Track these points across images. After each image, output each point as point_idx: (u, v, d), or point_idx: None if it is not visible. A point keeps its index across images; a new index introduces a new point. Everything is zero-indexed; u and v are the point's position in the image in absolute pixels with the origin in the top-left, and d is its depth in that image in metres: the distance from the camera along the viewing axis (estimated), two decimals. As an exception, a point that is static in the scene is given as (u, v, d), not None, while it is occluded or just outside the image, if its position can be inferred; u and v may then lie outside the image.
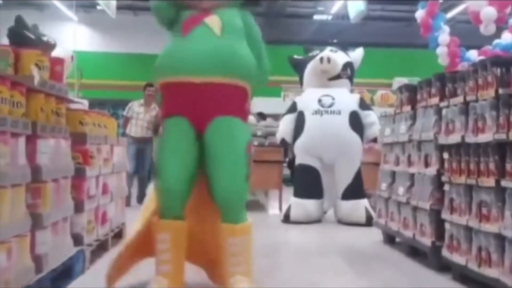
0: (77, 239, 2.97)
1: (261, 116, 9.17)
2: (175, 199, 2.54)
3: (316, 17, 13.19)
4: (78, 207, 2.97)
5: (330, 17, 12.72)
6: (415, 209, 3.65)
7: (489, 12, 5.31)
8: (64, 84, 2.89)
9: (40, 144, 2.41)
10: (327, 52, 5.59)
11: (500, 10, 5.27)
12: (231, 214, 2.52)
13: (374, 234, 4.53)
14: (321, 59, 5.50)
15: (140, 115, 6.89)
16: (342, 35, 12.37)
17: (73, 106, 3.26)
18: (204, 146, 2.53)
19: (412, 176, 3.78)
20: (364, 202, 5.40)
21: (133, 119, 6.84)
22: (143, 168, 7.04)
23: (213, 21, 2.54)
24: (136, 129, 6.84)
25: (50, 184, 2.50)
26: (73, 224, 2.94)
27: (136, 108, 6.93)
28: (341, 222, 5.47)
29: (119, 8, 10.93)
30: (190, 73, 2.45)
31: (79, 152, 3.06)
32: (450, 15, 10.60)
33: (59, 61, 2.87)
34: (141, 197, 7.06)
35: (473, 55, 7.82)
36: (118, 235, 3.95)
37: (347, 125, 5.35)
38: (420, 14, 8.12)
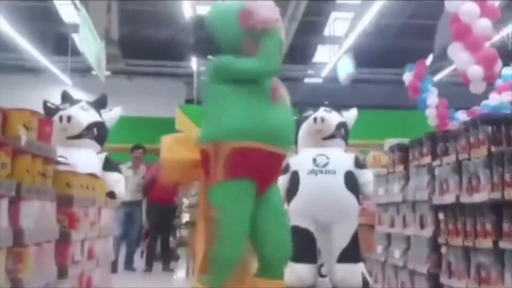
0: (59, 307, 2.81)
1: None
2: (231, 271, 2.48)
3: (307, 80, 13.48)
4: (62, 273, 2.84)
5: (320, 80, 12.99)
6: (412, 273, 3.54)
7: (475, 70, 5.42)
8: (53, 145, 2.85)
9: (24, 206, 2.32)
10: (321, 112, 5.62)
11: (487, 68, 5.38)
12: (281, 269, 2.64)
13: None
14: (315, 119, 5.52)
15: (129, 178, 6.82)
16: (333, 97, 12.57)
17: (61, 167, 3.20)
18: (263, 205, 2.59)
19: (408, 238, 3.69)
20: (361, 266, 5.25)
21: None
22: (132, 233, 6.89)
23: (285, 94, 2.68)
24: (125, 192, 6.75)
25: (32, 248, 2.39)
26: (56, 291, 2.80)
27: (124, 171, 6.88)
28: (336, 287, 5.28)
29: (114, 72, 11.15)
30: (278, 143, 2.55)
31: (64, 215, 2.95)
32: (438, 77, 10.86)
33: (47, 122, 2.84)
34: (128, 263, 6.87)
35: (462, 116, 7.95)
36: (104, 302, 3.77)
37: (342, 185, 5.29)
38: (407, 76, 8.32)
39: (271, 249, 2.58)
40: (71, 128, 4.36)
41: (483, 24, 5.31)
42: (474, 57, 5.37)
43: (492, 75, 5.50)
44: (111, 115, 4.77)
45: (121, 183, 4.57)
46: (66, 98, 4.79)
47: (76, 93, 13.33)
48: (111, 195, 4.32)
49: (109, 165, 4.53)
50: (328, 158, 5.39)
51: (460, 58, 5.53)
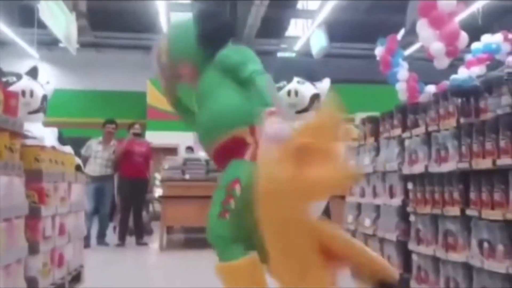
0: (31, 283, 2.78)
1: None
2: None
3: (280, 54, 13.43)
4: (33, 249, 2.80)
5: (294, 54, 12.96)
6: (382, 241, 3.63)
7: (437, 46, 5.51)
8: (20, 118, 2.77)
9: (-9, 181, 2.27)
10: (295, 84, 5.56)
11: (449, 44, 5.46)
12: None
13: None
14: (289, 92, 5.50)
15: (99, 153, 6.74)
16: (306, 70, 12.60)
17: (28, 141, 3.13)
18: None
19: (377, 207, 3.77)
20: None
21: (91, 158, 6.68)
22: (103, 207, 6.83)
23: None
24: (94, 167, 6.67)
25: (2, 224, 2.34)
26: (27, 267, 2.76)
27: (94, 146, 6.79)
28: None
29: (82, 45, 10.85)
30: None
31: (34, 190, 2.90)
32: (408, 52, 10.96)
33: (13, 94, 2.75)
34: (101, 237, 6.83)
35: (431, 90, 8.07)
36: (76, 278, 3.75)
37: None
38: (379, 51, 8.37)
39: None
40: (34, 102, 4.22)
41: (448, 1, 5.36)
42: (437, 33, 5.44)
43: (454, 51, 5.59)
44: (50, 88, 4.61)
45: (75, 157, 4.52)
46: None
47: (43, 67, 13.05)
48: (79, 168, 4.28)
49: (62, 139, 4.41)
50: None
51: (424, 34, 5.60)
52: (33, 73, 4.44)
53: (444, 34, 5.41)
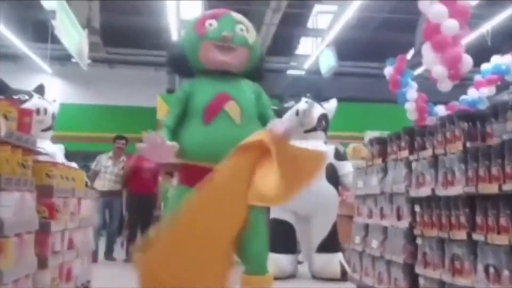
0: (39, 298, 2.81)
1: None
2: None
3: (289, 72, 13.52)
4: (42, 263, 2.83)
5: (303, 72, 13.05)
6: (389, 263, 3.62)
7: (439, 70, 5.56)
8: (33, 136, 2.83)
9: (4, 197, 2.32)
10: (303, 104, 5.63)
11: (451, 67, 5.50)
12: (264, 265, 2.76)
13: (349, 289, 4.46)
14: (297, 111, 5.54)
15: (108, 168, 6.80)
16: (321, 91, 12.66)
17: (40, 158, 3.18)
18: None
19: (385, 229, 3.77)
20: (339, 256, 5.33)
21: (101, 173, 6.74)
22: (112, 223, 6.87)
23: (233, 109, 2.74)
24: (104, 182, 6.73)
25: (12, 239, 2.38)
26: (36, 281, 2.79)
27: (103, 161, 6.85)
28: (315, 276, 5.36)
29: (94, 60, 11.01)
30: (214, 162, 2.62)
31: (44, 206, 2.95)
32: (418, 71, 10.99)
33: (27, 112, 2.82)
34: (108, 253, 6.86)
35: (440, 110, 8.08)
36: (84, 292, 3.78)
37: (323, 177, 5.34)
38: (388, 70, 8.41)
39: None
40: (47, 120, 4.33)
41: (451, 25, 5.42)
42: (440, 57, 5.50)
43: (456, 75, 5.62)
44: (57, 105, 4.72)
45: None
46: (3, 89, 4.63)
47: (56, 82, 13.25)
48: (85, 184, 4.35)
49: (68, 156, 4.55)
50: None
51: (428, 57, 5.66)
52: (40, 90, 4.54)
53: (446, 58, 5.46)
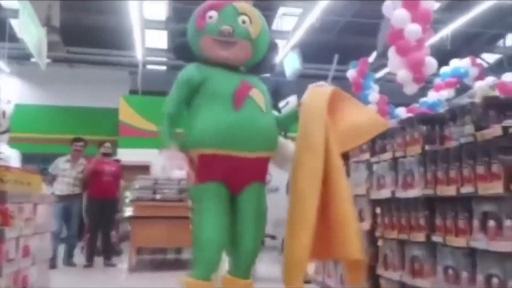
0: (-8, 307, 2.70)
1: None
2: (216, 251, 2.58)
3: (253, 74, 13.52)
4: (-5, 272, 2.72)
5: (267, 74, 13.07)
6: (351, 264, 3.64)
7: (404, 74, 5.67)
8: (-16, 139, 2.72)
9: (-49, 204, 2.20)
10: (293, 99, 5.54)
11: (415, 71, 5.62)
12: (248, 271, 2.72)
13: (312, 291, 4.47)
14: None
15: (66, 171, 6.61)
16: (280, 90, 12.71)
17: (-7, 162, 3.06)
18: (238, 206, 2.69)
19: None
20: None
21: (58, 177, 6.55)
22: (71, 227, 6.69)
23: (258, 96, 2.69)
24: (62, 186, 6.54)
25: (-39, 248, 2.27)
26: (-12, 291, 2.68)
27: (61, 164, 6.66)
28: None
29: (54, 60, 10.72)
30: (243, 149, 2.58)
31: (-3, 212, 2.83)
32: (380, 74, 11.19)
33: (-22, 115, 2.70)
34: (68, 258, 6.68)
35: (401, 112, 8.24)
36: (40, 301, 3.65)
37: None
38: (351, 73, 8.53)
39: (243, 250, 2.68)
40: (4, 123, 4.19)
41: (414, 29, 5.52)
42: (404, 61, 5.60)
43: (421, 78, 5.74)
44: (11, 107, 4.58)
45: None
46: None
47: (14, 81, 12.83)
48: None
49: (26, 161, 4.43)
50: None
51: (393, 61, 5.75)
52: None
53: (410, 62, 5.56)
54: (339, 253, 2.50)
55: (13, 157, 3.94)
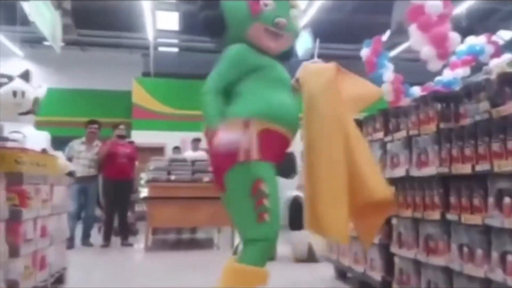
0: (13, 286, 2.76)
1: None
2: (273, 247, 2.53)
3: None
4: (14, 252, 2.78)
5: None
6: (365, 243, 3.65)
7: (427, 50, 5.56)
8: None
9: (-30, 185, 2.25)
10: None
11: (439, 47, 5.52)
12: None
13: (327, 269, 4.50)
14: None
15: (82, 153, 6.70)
16: (293, 71, 12.63)
17: (9, 144, 3.10)
18: None
19: (361, 210, 3.80)
20: (306, 235, 5.27)
21: (74, 158, 6.63)
22: (88, 208, 6.80)
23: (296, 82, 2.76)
24: (77, 168, 6.61)
25: (-19, 228, 2.32)
26: (8, 270, 2.74)
27: (76, 146, 6.74)
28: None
29: (66, 43, 10.76)
30: (294, 132, 2.59)
31: (15, 193, 2.88)
32: (393, 53, 11.05)
33: (-6, 97, 2.73)
34: (85, 238, 6.80)
35: (416, 91, 8.14)
36: (59, 280, 3.73)
37: None
38: (365, 52, 8.42)
39: None
40: (25, 103, 4.23)
41: (434, 4, 5.42)
42: (426, 37, 5.50)
43: (445, 53, 5.64)
44: (42, 91, 4.62)
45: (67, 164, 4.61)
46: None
47: (27, 65, 12.93)
48: (71, 174, 4.32)
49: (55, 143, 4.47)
50: None
51: (415, 38, 5.66)
52: (25, 76, 4.46)
53: (433, 37, 5.47)
54: (369, 197, 2.56)
55: (40, 139, 3.99)
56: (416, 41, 5.67)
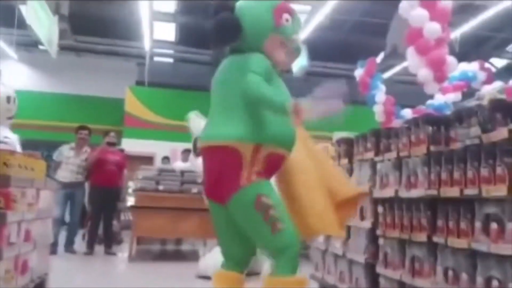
0: (-8, 290, 2.71)
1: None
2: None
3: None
4: (-4, 255, 2.73)
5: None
6: (351, 262, 3.65)
7: (425, 73, 5.61)
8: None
9: (-44, 185, 2.21)
10: None
11: (436, 70, 5.57)
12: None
13: (311, 288, 4.48)
14: None
15: (70, 159, 6.65)
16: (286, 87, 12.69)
17: (-1, 146, 3.07)
18: None
19: (348, 228, 3.79)
20: None
21: (62, 164, 6.58)
22: (73, 214, 6.73)
23: None
24: (65, 173, 6.58)
25: (-37, 229, 2.28)
26: (-12, 274, 2.69)
27: (65, 151, 6.70)
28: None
29: (62, 48, 10.74)
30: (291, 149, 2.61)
31: (1, 196, 2.84)
32: (387, 74, 11.16)
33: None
34: (69, 245, 6.72)
35: (407, 113, 8.21)
36: (40, 285, 3.66)
37: None
38: (359, 72, 8.50)
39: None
40: (15, 109, 4.23)
41: (433, 28, 5.48)
42: (424, 60, 5.56)
43: (442, 77, 5.70)
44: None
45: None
46: None
47: (21, 68, 12.88)
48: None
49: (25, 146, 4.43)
50: None
51: (412, 61, 5.71)
52: None
53: (431, 61, 5.52)
54: (336, 198, 2.70)
55: (17, 142, 3.97)
56: (414, 63, 5.72)
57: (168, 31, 11.53)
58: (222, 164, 2.44)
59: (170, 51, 13.17)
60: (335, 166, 2.99)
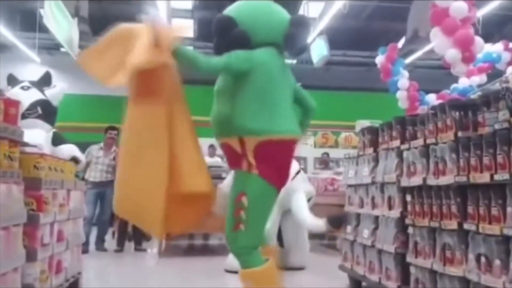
0: (28, 290, 2.78)
1: None
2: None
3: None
4: (31, 256, 2.80)
5: (294, 62, 12.99)
6: (380, 252, 3.62)
7: (452, 53, 5.46)
8: (19, 127, 2.78)
9: (-10, 190, 2.27)
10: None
11: (464, 50, 5.42)
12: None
13: (340, 279, 4.46)
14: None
15: (100, 159, 6.76)
16: (306, 79, 12.62)
17: (28, 149, 3.13)
18: None
19: (376, 218, 3.77)
20: None
21: (92, 164, 6.69)
22: (103, 213, 6.84)
23: None
24: (95, 173, 6.69)
25: (0, 232, 2.35)
26: (24, 274, 2.76)
27: (94, 152, 6.81)
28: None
29: (83, 49, 10.87)
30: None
31: (32, 198, 2.91)
32: (409, 60, 10.99)
33: (13, 103, 2.76)
34: (100, 243, 6.83)
35: (431, 99, 8.09)
36: (74, 285, 3.75)
37: None
38: (380, 59, 8.39)
39: None
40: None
41: (459, 6, 5.34)
42: (451, 40, 5.41)
43: (471, 57, 5.55)
44: (55, 91, 4.69)
45: (76, 150, 4.59)
46: (10, 80, 4.68)
47: (44, 71, 13.05)
48: (75, 160, 4.36)
49: (58, 140, 4.52)
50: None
51: (438, 42, 5.56)
52: (45, 79, 4.70)
53: (458, 40, 5.38)
54: (183, 188, 2.53)
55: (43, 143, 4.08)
56: (440, 44, 5.56)
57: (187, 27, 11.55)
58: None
59: (190, 48, 13.20)
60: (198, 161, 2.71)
